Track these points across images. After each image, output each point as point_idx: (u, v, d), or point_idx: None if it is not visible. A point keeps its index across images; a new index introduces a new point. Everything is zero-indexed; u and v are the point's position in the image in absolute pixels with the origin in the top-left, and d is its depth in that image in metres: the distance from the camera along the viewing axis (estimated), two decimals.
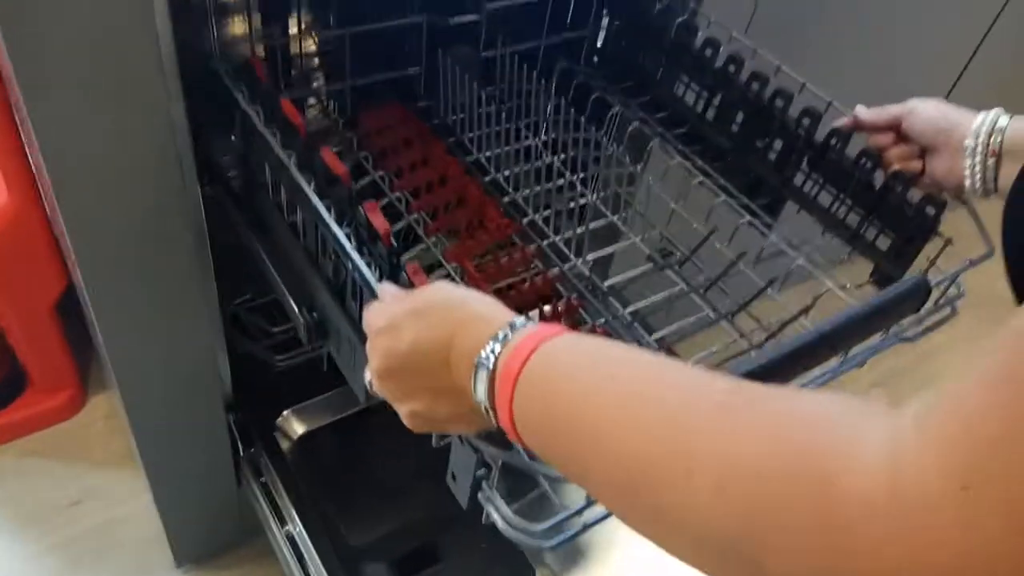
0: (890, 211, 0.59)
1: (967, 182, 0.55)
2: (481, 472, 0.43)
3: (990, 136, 0.54)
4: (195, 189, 0.62)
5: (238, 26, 0.79)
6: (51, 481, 1.07)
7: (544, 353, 0.33)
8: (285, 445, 0.86)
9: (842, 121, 0.63)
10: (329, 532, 0.79)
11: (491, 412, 0.35)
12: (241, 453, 0.85)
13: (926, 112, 0.59)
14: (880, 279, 0.61)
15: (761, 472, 0.25)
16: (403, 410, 0.40)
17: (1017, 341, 0.22)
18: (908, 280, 0.48)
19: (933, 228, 0.57)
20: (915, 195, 0.58)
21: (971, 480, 0.21)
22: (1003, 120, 0.54)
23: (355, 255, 0.47)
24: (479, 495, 0.43)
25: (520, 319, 0.36)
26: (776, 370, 0.41)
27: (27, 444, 1.11)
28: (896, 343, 0.52)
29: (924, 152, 0.59)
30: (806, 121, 0.64)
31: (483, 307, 0.37)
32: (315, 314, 0.58)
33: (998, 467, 0.21)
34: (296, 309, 0.58)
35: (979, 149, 0.54)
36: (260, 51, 0.74)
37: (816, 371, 0.48)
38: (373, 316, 0.40)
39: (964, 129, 0.55)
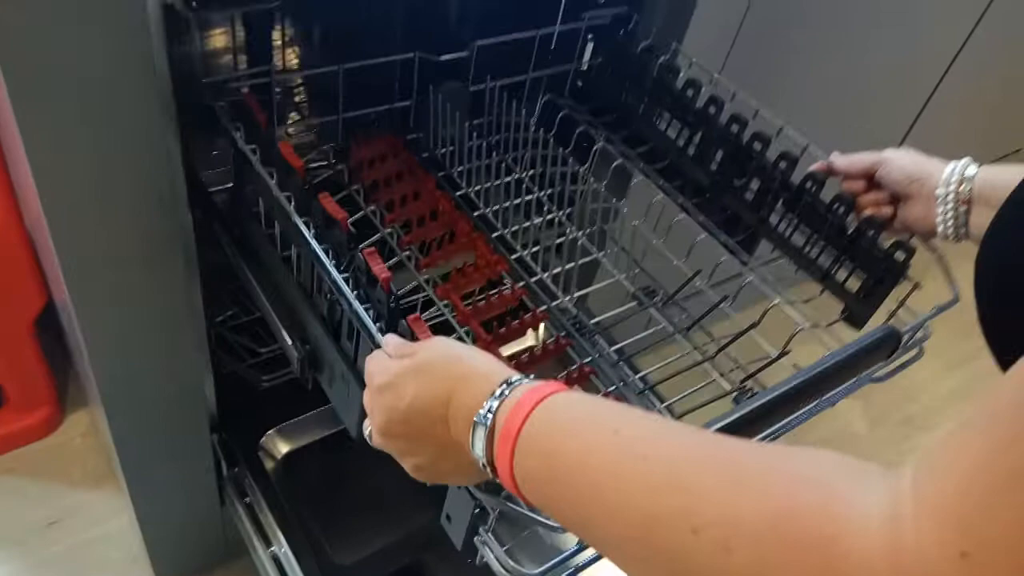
0: (861, 254, 0.62)
1: (939, 228, 0.59)
2: (476, 514, 0.45)
3: (960, 184, 0.57)
4: (185, 210, 0.63)
5: (219, 39, 0.79)
6: (28, 501, 1.06)
7: (544, 410, 0.35)
8: (269, 464, 0.87)
9: (817, 165, 0.67)
10: (315, 551, 0.80)
11: (489, 467, 0.37)
12: (225, 473, 0.85)
13: (900, 162, 0.62)
14: (850, 317, 0.64)
15: (765, 533, 0.26)
16: (406, 464, 0.41)
17: (1010, 410, 0.23)
18: (880, 329, 0.51)
19: (902, 272, 0.60)
20: (885, 240, 0.61)
21: (969, 546, 0.22)
22: (971, 169, 0.58)
23: (356, 303, 0.48)
24: (475, 539, 0.44)
25: (517, 375, 0.37)
26: (762, 418, 0.43)
27: (3, 463, 1.10)
28: (867, 383, 0.55)
29: (896, 199, 0.63)
30: (783, 164, 0.67)
31: (481, 364, 0.39)
32: (308, 346, 0.59)
33: (995, 534, 0.22)
34: (290, 341, 0.59)
35: (950, 197, 0.58)
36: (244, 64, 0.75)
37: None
38: (375, 370, 0.42)
39: (935, 178, 0.59)
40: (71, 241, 0.58)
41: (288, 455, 0.89)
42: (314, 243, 0.52)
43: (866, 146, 1.47)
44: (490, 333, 0.60)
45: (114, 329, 0.66)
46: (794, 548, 0.26)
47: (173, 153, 0.58)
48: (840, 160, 0.66)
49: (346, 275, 0.51)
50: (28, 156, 0.52)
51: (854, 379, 0.53)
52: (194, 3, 0.54)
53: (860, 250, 0.62)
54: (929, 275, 0.62)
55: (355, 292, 0.49)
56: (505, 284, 0.65)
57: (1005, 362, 0.33)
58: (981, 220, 0.57)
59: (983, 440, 0.23)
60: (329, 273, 0.50)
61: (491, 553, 0.43)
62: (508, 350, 0.62)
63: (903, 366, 0.56)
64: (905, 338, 0.53)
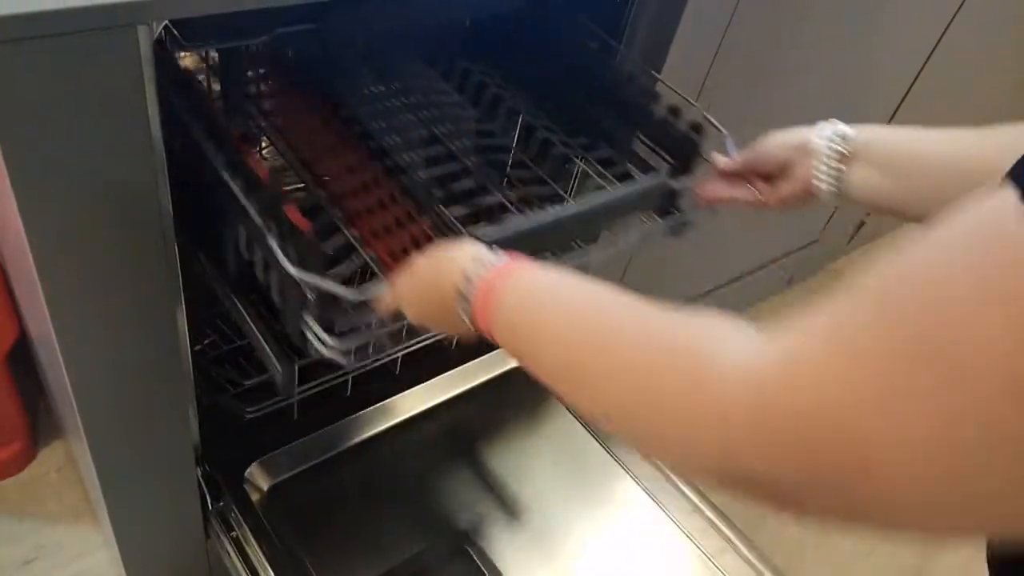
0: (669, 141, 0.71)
1: (820, 184, 0.61)
2: (301, 302, 0.53)
3: (834, 140, 0.60)
4: (172, 239, 0.63)
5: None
6: (2, 539, 1.03)
7: (513, 279, 0.46)
8: (255, 496, 0.86)
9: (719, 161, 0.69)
10: None
11: (469, 321, 0.48)
12: (210, 506, 0.84)
13: (776, 137, 0.65)
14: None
15: (658, 362, 0.36)
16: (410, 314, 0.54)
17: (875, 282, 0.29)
18: (651, 176, 0.64)
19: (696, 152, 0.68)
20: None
21: (797, 362, 0.30)
22: (844, 128, 0.60)
23: (271, 239, 0.53)
24: (301, 325, 0.53)
25: (487, 256, 0.48)
26: (536, 237, 0.56)
27: None
28: (660, 237, 0.66)
29: (780, 174, 0.65)
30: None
31: (461, 249, 0.50)
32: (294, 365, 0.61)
33: (820, 355, 0.29)
34: (274, 359, 0.60)
35: (830, 152, 0.60)
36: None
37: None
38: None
39: (815, 139, 0.62)
40: (57, 276, 0.57)
41: (274, 487, 0.88)
42: (241, 196, 0.55)
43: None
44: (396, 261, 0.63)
45: (99, 364, 0.66)
46: (676, 364, 0.35)
47: (161, 184, 0.58)
48: (724, 162, 0.68)
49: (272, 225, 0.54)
50: (13, 187, 0.51)
51: (640, 230, 0.65)
52: (183, 40, 0.55)
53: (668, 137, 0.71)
54: None
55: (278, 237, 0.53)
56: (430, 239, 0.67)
57: None
58: (865, 180, 0.59)
59: (836, 300, 0.30)
60: (243, 207, 0.53)
61: (314, 336, 0.53)
62: None
63: (688, 224, 0.69)
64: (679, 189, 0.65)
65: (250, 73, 0.81)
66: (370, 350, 0.58)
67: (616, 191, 0.63)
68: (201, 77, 0.81)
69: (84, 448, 0.75)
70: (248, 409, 0.86)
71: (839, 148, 0.59)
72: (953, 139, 0.56)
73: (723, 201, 0.68)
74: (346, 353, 0.55)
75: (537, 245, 0.58)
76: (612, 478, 0.95)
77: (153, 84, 0.53)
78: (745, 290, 1.56)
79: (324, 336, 0.54)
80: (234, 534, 0.82)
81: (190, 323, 0.71)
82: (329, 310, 0.53)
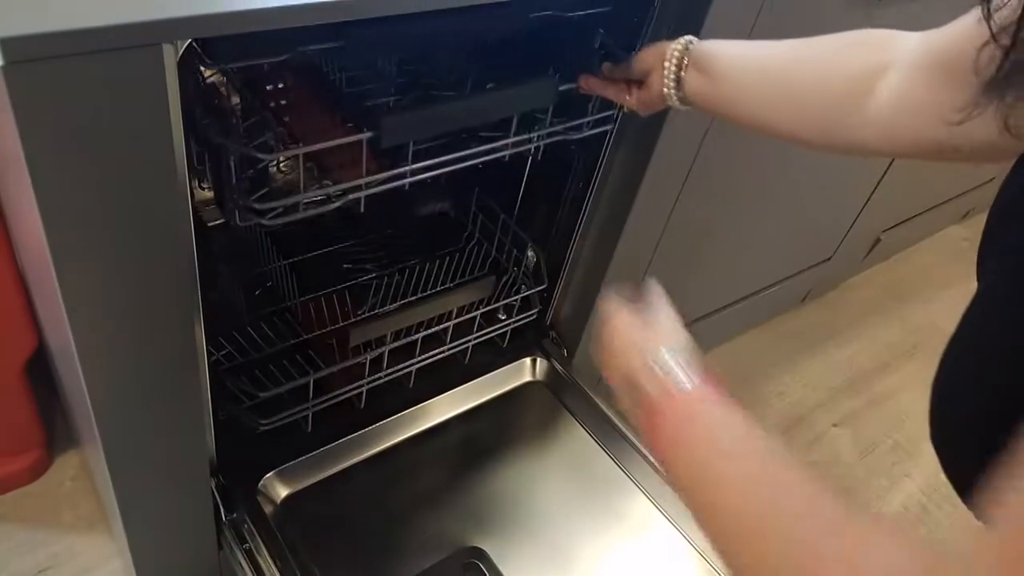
0: None
1: (666, 90, 0.68)
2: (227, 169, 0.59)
3: (678, 50, 0.66)
4: (193, 252, 0.63)
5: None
6: (17, 548, 1.04)
7: (686, 415, 0.44)
8: (268, 508, 0.86)
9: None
10: None
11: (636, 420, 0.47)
12: (223, 517, 0.84)
13: (646, 48, 0.71)
14: None
15: None
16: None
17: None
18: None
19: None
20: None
21: None
22: (690, 40, 0.67)
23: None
24: (229, 193, 0.59)
25: (675, 373, 0.46)
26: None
27: None
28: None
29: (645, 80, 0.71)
30: None
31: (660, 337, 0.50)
32: None
33: None
34: None
35: (673, 58, 0.66)
36: None
37: None
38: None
39: (668, 49, 0.67)
40: (77, 288, 0.58)
41: (288, 498, 0.89)
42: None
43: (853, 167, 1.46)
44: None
45: (117, 375, 0.66)
46: None
47: (183, 197, 0.58)
48: (606, 65, 0.76)
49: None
50: (36, 199, 0.52)
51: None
52: (207, 58, 0.55)
53: None
54: None
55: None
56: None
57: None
58: (694, 85, 0.65)
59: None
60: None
61: (237, 194, 0.59)
62: None
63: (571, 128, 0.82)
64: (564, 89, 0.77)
65: (270, 86, 0.82)
66: (290, 212, 0.66)
67: (510, 87, 0.74)
68: (222, 90, 0.83)
69: (100, 458, 0.75)
70: (263, 421, 0.87)
71: (680, 57, 0.66)
72: (772, 47, 0.61)
73: (597, 92, 0.77)
74: (261, 213, 0.64)
75: (447, 127, 0.70)
76: (624, 494, 0.94)
77: (177, 100, 0.54)
78: (759, 306, 1.55)
79: (247, 200, 0.63)
80: (247, 546, 0.82)
81: (207, 334, 0.72)
82: (251, 177, 0.63)
